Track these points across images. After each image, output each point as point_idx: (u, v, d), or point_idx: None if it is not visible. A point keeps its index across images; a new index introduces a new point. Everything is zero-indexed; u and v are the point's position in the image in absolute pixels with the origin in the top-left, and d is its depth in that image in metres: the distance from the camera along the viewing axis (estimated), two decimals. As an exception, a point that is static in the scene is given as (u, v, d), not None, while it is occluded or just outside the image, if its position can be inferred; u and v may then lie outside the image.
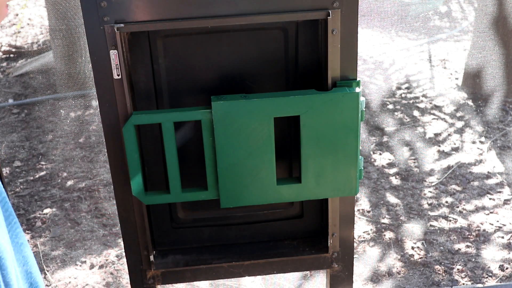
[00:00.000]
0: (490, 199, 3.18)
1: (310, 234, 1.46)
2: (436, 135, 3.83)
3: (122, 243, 2.00)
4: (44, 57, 4.90)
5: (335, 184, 1.28)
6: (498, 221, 3.01)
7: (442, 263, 2.75)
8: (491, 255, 2.80)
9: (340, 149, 1.24)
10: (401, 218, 3.05)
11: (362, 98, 1.22)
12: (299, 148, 1.24)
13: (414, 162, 3.53)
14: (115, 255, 2.88)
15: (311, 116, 1.20)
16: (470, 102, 4.22)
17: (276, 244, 1.45)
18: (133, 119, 1.18)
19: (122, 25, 1.14)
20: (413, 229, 2.98)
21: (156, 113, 1.21)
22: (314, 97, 1.19)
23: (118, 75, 1.17)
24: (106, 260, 2.85)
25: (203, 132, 1.21)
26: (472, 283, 2.64)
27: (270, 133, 1.21)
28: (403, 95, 4.36)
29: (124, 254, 1.86)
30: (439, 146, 3.70)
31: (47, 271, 2.79)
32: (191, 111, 1.20)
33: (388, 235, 2.95)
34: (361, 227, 3.00)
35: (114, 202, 1.23)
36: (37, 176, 3.53)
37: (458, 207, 3.12)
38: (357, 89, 1.21)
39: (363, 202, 3.17)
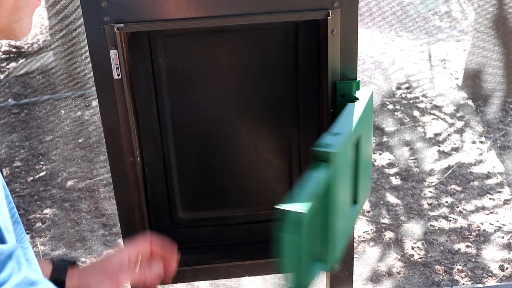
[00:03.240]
0: (490, 199, 3.18)
1: (310, 234, 1.45)
2: (436, 135, 3.83)
3: (122, 243, 2.00)
4: (44, 57, 4.90)
5: (365, 190, 1.24)
6: (498, 221, 3.01)
7: (442, 263, 2.75)
8: (491, 255, 2.80)
9: (366, 153, 1.21)
10: (401, 218, 3.05)
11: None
12: (357, 168, 1.14)
13: (414, 162, 3.53)
14: (115, 255, 2.88)
15: (364, 130, 1.15)
16: (470, 102, 4.22)
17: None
18: (303, 217, 0.90)
19: (122, 25, 1.14)
20: (413, 229, 2.97)
21: (306, 198, 0.93)
22: (364, 110, 1.14)
23: (118, 75, 1.17)
24: (106, 260, 2.84)
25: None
26: (472, 283, 2.63)
27: (352, 163, 1.11)
28: (403, 95, 4.36)
29: (124, 254, 1.86)
30: (439, 146, 3.70)
31: (47, 271, 2.79)
32: (322, 175, 0.97)
33: (388, 235, 2.95)
34: (361, 227, 3.00)
35: (114, 202, 1.23)
36: (37, 176, 3.53)
37: (458, 207, 3.12)
38: (369, 88, 1.21)
39: (363, 202, 3.17)
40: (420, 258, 2.79)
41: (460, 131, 3.87)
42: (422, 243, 2.88)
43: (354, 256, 1.49)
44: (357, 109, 1.15)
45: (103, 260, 1.05)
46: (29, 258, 0.74)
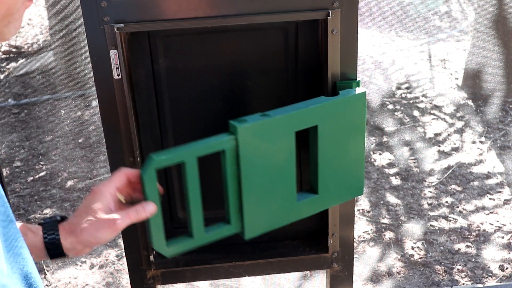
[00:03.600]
0: (490, 199, 3.18)
1: (310, 234, 1.46)
2: (436, 135, 3.83)
3: (122, 243, 2.00)
4: (44, 57, 4.90)
5: (347, 188, 1.25)
6: (498, 221, 3.01)
7: (442, 263, 2.75)
8: (491, 255, 2.80)
9: (351, 151, 1.21)
10: (401, 218, 3.05)
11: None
12: (315, 158, 1.19)
13: (414, 162, 3.53)
14: (115, 255, 2.88)
15: (327, 123, 1.16)
16: (470, 102, 4.22)
17: (276, 244, 1.45)
18: (154, 162, 1.03)
19: (122, 25, 1.14)
20: (413, 229, 2.98)
21: (177, 151, 1.07)
22: (330, 104, 1.15)
23: (118, 75, 1.17)
24: (106, 260, 2.85)
25: (226, 161, 1.10)
26: (472, 283, 2.64)
27: (292, 149, 1.14)
28: (403, 95, 4.36)
29: (124, 254, 1.86)
30: (439, 146, 3.70)
31: (47, 271, 2.79)
32: (215, 141, 1.08)
33: (388, 235, 2.95)
34: (361, 227, 3.00)
35: (114, 202, 1.23)
36: (37, 176, 3.53)
37: (458, 207, 3.12)
38: (362, 88, 1.21)
39: (363, 202, 3.17)
40: (420, 258, 2.79)
41: (460, 131, 3.87)
42: (422, 243, 2.88)
43: (354, 256, 1.49)
44: (320, 101, 1.15)
45: (89, 208, 1.01)
46: (25, 257, 0.74)
